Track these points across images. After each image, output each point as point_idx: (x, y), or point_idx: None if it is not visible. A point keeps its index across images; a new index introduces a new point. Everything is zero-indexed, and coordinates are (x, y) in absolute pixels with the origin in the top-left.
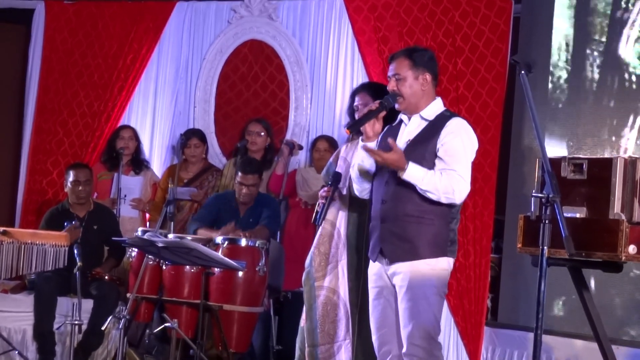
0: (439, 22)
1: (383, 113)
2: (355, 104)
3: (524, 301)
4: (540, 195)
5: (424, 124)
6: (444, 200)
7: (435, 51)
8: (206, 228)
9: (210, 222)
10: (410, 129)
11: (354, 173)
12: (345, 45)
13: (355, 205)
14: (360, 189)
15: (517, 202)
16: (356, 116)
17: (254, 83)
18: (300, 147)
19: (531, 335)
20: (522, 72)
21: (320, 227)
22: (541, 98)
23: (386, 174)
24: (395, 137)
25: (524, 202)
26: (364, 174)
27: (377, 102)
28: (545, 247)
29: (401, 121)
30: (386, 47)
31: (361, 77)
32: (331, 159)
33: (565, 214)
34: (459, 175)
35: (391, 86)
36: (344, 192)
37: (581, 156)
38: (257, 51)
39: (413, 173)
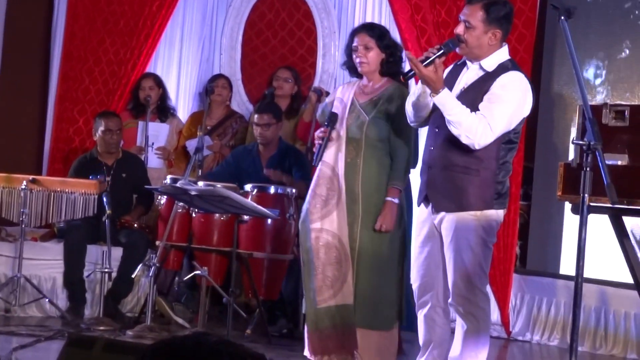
0: None
1: (444, 58)
2: (355, 44)
3: (552, 248)
4: (581, 142)
5: (481, 73)
6: (463, 140)
7: None
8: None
9: (228, 177)
10: (468, 75)
11: (408, 105)
12: None
13: (351, 147)
14: (414, 119)
15: (546, 149)
16: (354, 57)
17: (281, 30)
18: (328, 94)
19: (559, 282)
20: (562, 17)
21: (318, 169)
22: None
23: (438, 120)
24: (455, 79)
25: (552, 149)
26: (417, 108)
27: (437, 46)
28: (586, 195)
29: (465, 63)
30: None
31: (389, 23)
32: (327, 100)
33: (606, 162)
34: (487, 123)
35: (459, 30)
36: (342, 133)
37: (623, 103)
38: None
39: (446, 98)
